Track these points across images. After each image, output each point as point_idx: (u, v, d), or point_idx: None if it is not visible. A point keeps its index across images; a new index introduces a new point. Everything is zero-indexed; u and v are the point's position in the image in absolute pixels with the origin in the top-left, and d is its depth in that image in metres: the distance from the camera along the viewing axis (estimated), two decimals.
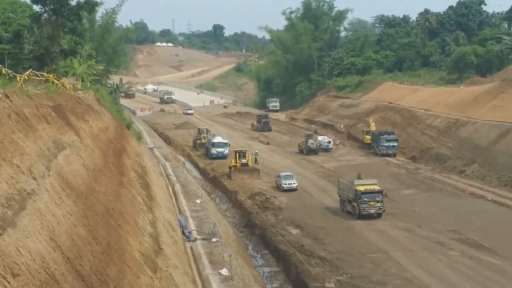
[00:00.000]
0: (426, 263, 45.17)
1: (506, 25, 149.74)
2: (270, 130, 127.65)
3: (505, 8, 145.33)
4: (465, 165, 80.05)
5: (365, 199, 57.04)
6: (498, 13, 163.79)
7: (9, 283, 13.25)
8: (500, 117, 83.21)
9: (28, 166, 20.10)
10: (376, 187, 58.44)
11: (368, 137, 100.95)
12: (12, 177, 17.92)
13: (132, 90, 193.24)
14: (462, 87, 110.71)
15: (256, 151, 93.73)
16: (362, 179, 60.65)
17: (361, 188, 57.32)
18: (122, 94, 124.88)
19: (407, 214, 59.46)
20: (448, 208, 62.07)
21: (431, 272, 43.29)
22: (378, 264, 45.23)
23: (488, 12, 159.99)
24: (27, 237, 15.98)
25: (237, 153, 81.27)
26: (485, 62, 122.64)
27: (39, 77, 38.97)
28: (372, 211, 57.27)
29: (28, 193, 18.42)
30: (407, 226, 54.25)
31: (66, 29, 60.09)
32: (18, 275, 13.94)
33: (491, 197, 65.48)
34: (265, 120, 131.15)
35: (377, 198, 57.33)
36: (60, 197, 21.25)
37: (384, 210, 57.60)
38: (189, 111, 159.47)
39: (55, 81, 41.32)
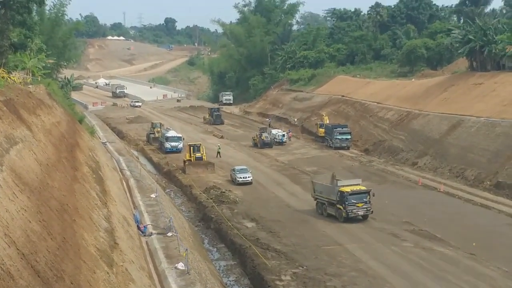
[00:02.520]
0: (381, 255, 45.57)
1: (455, 18, 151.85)
2: (222, 123, 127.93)
3: (455, 2, 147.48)
4: (417, 157, 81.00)
5: (352, 201, 53.69)
6: (447, 6, 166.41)
7: None
8: (450, 109, 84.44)
9: None
10: (363, 188, 55.43)
11: (322, 130, 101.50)
12: None
13: (80, 83, 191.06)
14: (413, 80, 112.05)
15: (219, 144, 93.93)
16: (337, 179, 56.16)
17: (347, 189, 54.06)
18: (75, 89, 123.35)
19: None
20: (401, 200, 62.74)
21: (385, 263, 43.67)
22: (333, 256, 45.47)
23: (438, 6, 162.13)
24: None
25: (192, 147, 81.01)
26: (435, 55, 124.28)
27: None
28: (360, 212, 54.11)
29: None
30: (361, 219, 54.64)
31: (16, 23, 59.05)
32: None
33: (443, 189, 66.37)
34: (217, 113, 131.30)
35: (364, 199, 54.11)
36: (14, 193, 20.90)
37: (372, 212, 54.43)
38: (136, 104, 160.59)
39: (5, 75, 40.62)
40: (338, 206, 54.56)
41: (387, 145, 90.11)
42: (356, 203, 53.79)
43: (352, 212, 53.75)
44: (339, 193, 54.27)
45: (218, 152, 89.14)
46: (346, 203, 53.59)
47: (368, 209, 54.15)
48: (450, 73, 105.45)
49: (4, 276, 15.12)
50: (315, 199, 58.67)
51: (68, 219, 25.70)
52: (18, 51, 61.14)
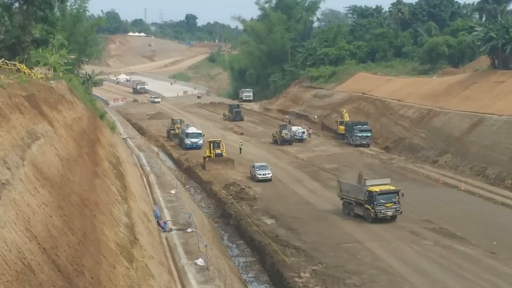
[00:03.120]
0: (400, 253, 45.45)
1: (477, 16, 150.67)
2: (242, 119, 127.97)
3: None
4: (438, 155, 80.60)
5: (381, 201, 52.47)
6: (469, 4, 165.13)
7: None
8: (472, 107, 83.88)
9: (2, 156, 19.87)
10: (392, 187, 54.16)
11: (342, 127, 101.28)
12: None
13: (101, 79, 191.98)
14: (434, 77, 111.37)
15: (240, 141, 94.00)
16: (365, 179, 55.34)
17: (376, 189, 52.84)
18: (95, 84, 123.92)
19: None
20: (422, 198, 62.39)
21: (405, 261, 43.56)
22: (353, 254, 45.41)
23: (459, 3, 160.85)
24: (2, 228, 15.80)
25: (212, 144, 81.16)
26: (457, 52, 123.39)
27: (11, 66, 38.55)
28: (389, 213, 52.75)
29: (3, 183, 18.21)
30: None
31: (38, 18, 59.39)
32: None
33: (464, 187, 66.03)
34: (237, 109, 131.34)
35: (393, 199, 52.83)
36: (35, 187, 21.03)
37: (401, 212, 53.26)
38: (156, 99, 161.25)
39: (27, 71, 40.88)
40: (366, 206, 53.39)
41: (408, 142, 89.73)
42: (385, 203, 52.55)
43: (380, 212, 52.53)
44: (367, 192, 53.12)
45: (240, 148, 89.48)
46: (375, 203, 52.41)
47: (397, 209, 52.96)
48: (472, 71, 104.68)
49: (25, 270, 15.24)
50: (342, 198, 57.52)
51: (88, 214, 25.85)
52: (40, 47, 61.48)
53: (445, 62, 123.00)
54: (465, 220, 53.92)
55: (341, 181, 58.61)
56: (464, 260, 43.65)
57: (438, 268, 42.00)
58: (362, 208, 54.08)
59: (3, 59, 39.07)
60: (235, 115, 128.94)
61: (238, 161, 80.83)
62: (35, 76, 45.49)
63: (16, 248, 15.68)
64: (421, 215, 55.66)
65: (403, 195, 53.26)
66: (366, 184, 54.03)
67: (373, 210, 52.60)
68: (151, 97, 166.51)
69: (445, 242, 47.77)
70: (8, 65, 37.96)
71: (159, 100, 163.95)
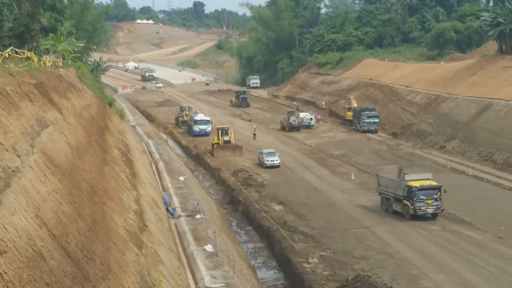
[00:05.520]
0: (408, 238, 45.63)
1: (485, 1, 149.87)
2: (248, 106, 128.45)
3: None
4: (445, 140, 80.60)
5: (421, 197, 49.10)
6: None
7: None
8: (479, 92, 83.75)
9: (12, 143, 20.04)
10: (434, 183, 50.63)
11: (350, 113, 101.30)
12: None
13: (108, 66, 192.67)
14: (442, 63, 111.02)
15: (254, 127, 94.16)
16: (405, 173, 52.35)
17: (416, 184, 49.51)
18: (103, 72, 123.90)
19: None
20: None
21: (412, 246, 43.75)
22: (361, 239, 45.64)
23: None
24: (13, 215, 15.97)
25: (220, 130, 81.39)
26: (464, 38, 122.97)
27: (20, 54, 38.70)
28: (430, 210, 49.32)
29: (13, 171, 18.38)
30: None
31: (46, 6, 59.50)
32: (5, 252, 13.96)
33: (471, 172, 66.09)
34: (243, 96, 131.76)
35: (434, 196, 49.39)
36: (45, 175, 21.22)
37: (442, 210, 49.92)
38: (157, 85, 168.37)
39: (36, 59, 41.03)
40: (405, 202, 50.04)
41: (415, 128, 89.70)
42: (425, 199, 49.20)
43: (420, 209, 49.10)
44: (406, 187, 49.76)
45: (254, 134, 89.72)
46: (414, 199, 49.11)
47: (438, 206, 49.55)
48: (479, 56, 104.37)
49: (36, 256, 15.44)
50: (380, 193, 54.17)
51: (98, 201, 26.05)
52: (48, 34, 61.59)
53: (453, 47, 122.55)
54: (473, 206, 54.02)
55: (380, 175, 55.58)
56: (471, 245, 43.79)
57: (445, 253, 42.16)
58: (401, 204, 50.77)
59: (12, 47, 39.19)
60: (241, 101, 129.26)
61: (246, 148, 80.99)
62: (44, 64, 45.68)
63: (27, 234, 15.87)
64: None
65: (445, 192, 49.73)
66: (406, 178, 50.78)
67: (412, 207, 49.24)
68: (152, 83, 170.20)
69: (452, 228, 47.93)
70: (17, 53, 38.09)
71: (160, 85, 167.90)
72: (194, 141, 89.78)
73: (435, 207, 49.38)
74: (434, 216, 49.76)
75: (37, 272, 14.85)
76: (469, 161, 71.27)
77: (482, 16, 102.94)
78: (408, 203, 49.55)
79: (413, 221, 49.03)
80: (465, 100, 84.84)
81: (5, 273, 13.31)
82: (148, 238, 29.44)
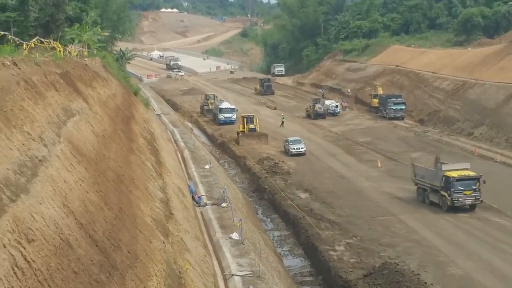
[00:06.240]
0: (435, 225, 45.33)
1: None
2: (272, 93, 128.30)
3: None
4: (473, 127, 79.87)
5: (459, 188, 47.28)
6: None
7: (24, 248, 13.36)
8: (508, 78, 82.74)
9: (38, 133, 20.15)
10: (472, 173, 48.78)
11: (376, 100, 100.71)
12: (23, 144, 17.97)
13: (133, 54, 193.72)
14: (469, 49, 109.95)
15: (282, 114, 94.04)
16: (442, 162, 50.86)
17: (454, 174, 47.78)
18: (128, 61, 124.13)
19: None
20: None
21: (440, 233, 43.46)
22: (387, 227, 45.44)
23: None
24: (40, 203, 16.06)
25: (245, 119, 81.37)
26: (492, 23, 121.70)
27: (46, 44, 38.90)
28: (468, 201, 47.67)
29: (40, 160, 18.48)
30: (415, 189, 53.60)
31: None
32: (33, 240, 14.05)
33: (500, 159, 65.44)
34: (268, 83, 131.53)
35: (473, 186, 47.59)
36: (71, 164, 21.32)
37: (481, 201, 47.96)
38: (179, 73, 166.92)
39: (61, 48, 41.21)
40: (442, 193, 48.50)
41: (442, 115, 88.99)
42: (463, 190, 47.43)
43: (458, 200, 47.44)
44: (444, 178, 48.16)
45: (282, 122, 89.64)
46: (452, 189, 47.42)
47: (477, 197, 47.71)
48: (507, 41, 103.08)
49: (63, 245, 15.51)
50: (416, 184, 52.46)
51: (124, 189, 26.14)
52: (74, 24, 61.89)
53: (480, 33, 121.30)
54: (501, 192, 53.35)
55: (416, 164, 53.65)
56: (500, 232, 43.41)
57: (473, 240, 41.86)
58: (437, 195, 49.17)
59: (37, 37, 39.40)
60: (266, 89, 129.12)
61: (271, 136, 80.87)
62: (69, 53, 45.89)
63: (54, 223, 15.95)
64: None
65: (484, 182, 47.68)
66: (443, 168, 49.08)
67: (449, 198, 47.62)
68: (173, 71, 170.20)
69: (480, 214, 47.47)
70: (42, 43, 38.27)
71: (182, 73, 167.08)
72: (219, 130, 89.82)
73: (473, 198, 47.70)
74: (472, 207, 48.22)
75: (64, 260, 14.93)
76: (497, 148, 70.56)
77: (510, 1, 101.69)
78: (445, 194, 48.03)
79: (439, 208, 48.68)
80: (493, 86, 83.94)
81: (33, 261, 13.39)
82: (174, 226, 29.52)
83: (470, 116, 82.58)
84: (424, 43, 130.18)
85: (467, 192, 47.51)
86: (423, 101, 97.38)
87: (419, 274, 35.39)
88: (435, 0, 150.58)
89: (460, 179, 47.55)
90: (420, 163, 55.25)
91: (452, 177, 47.55)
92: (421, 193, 51.55)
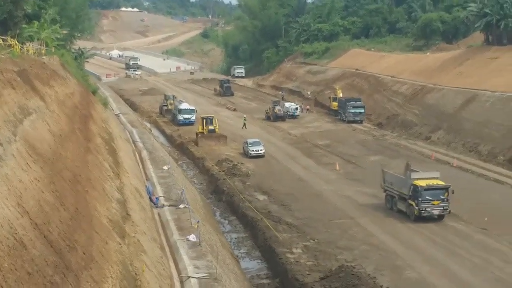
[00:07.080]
0: (393, 229, 45.64)
1: None
2: (232, 94, 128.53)
3: None
4: (430, 131, 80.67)
5: (427, 197, 46.05)
6: None
7: None
8: (465, 83, 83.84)
9: None
10: (441, 182, 47.45)
11: (335, 103, 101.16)
12: None
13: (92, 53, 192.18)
14: (428, 53, 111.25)
15: (245, 115, 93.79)
16: (412, 170, 49.39)
17: (422, 183, 46.47)
18: (87, 60, 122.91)
19: (374, 181, 58.04)
20: None
21: (397, 237, 43.79)
22: (345, 230, 45.64)
23: None
24: None
25: (204, 120, 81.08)
26: (451, 28, 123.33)
27: (3, 41, 38.33)
28: (436, 211, 46.39)
29: None
30: (373, 192, 54.05)
31: None
32: None
33: (456, 164, 66.14)
34: (227, 85, 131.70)
35: (441, 196, 46.48)
36: (27, 163, 20.99)
37: (449, 211, 46.84)
38: (135, 72, 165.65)
39: (18, 46, 40.65)
40: (410, 201, 47.22)
41: (401, 119, 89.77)
42: (431, 200, 46.26)
43: (425, 210, 46.16)
44: (412, 186, 46.86)
45: (244, 123, 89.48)
46: (420, 199, 46.13)
47: (445, 208, 46.58)
48: (466, 47, 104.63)
49: (17, 245, 15.24)
50: (384, 190, 51.13)
51: (81, 190, 25.82)
52: (32, 21, 61.05)
53: (439, 38, 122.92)
54: (457, 197, 53.68)
55: (385, 170, 51.99)
56: (456, 236, 43.89)
57: (430, 244, 42.25)
58: (405, 203, 47.94)
59: None
60: (225, 90, 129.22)
61: (231, 138, 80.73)
62: (27, 51, 45.27)
63: (8, 223, 15.67)
64: None
65: (453, 192, 47.01)
66: (412, 176, 47.80)
67: (417, 207, 46.35)
68: (130, 70, 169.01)
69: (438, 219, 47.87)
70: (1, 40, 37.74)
71: (139, 72, 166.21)
72: (178, 130, 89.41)
73: (441, 208, 46.54)
74: (440, 217, 47.01)
75: (18, 261, 14.68)
76: (454, 152, 71.36)
77: (469, 6, 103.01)
78: (413, 203, 46.81)
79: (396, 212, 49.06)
80: (451, 91, 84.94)
81: None
82: (131, 228, 29.24)
83: (428, 121, 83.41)
84: (384, 47, 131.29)
85: (435, 202, 46.36)
86: (382, 105, 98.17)
87: (375, 278, 35.59)
88: (395, 4, 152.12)
89: (429, 188, 46.37)
90: (390, 169, 54.30)
91: (420, 186, 46.36)
92: (389, 200, 50.34)
